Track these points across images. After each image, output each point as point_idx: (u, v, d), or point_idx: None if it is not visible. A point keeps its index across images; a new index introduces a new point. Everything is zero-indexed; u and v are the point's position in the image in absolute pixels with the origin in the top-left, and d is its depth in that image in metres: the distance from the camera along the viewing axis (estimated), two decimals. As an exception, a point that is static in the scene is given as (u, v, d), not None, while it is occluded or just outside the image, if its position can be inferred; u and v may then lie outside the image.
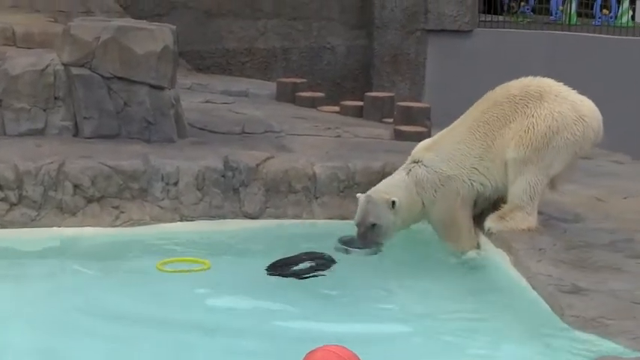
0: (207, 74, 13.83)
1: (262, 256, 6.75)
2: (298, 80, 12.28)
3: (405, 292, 6.28)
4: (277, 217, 7.60)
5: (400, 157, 8.00)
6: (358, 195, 6.95)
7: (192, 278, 6.38)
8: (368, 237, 6.81)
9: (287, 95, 11.57)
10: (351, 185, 7.69)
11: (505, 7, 20.17)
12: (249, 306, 5.93)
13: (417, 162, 6.93)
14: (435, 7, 15.40)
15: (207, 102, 10.64)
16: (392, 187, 6.92)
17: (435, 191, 6.84)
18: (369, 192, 6.91)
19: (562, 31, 16.94)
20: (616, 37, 16.48)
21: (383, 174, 7.64)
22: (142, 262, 6.67)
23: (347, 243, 6.88)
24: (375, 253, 6.84)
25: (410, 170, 6.93)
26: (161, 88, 8.34)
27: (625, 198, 7.59)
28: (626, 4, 18.88)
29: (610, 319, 5.14)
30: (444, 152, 6.89)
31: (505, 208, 6.75)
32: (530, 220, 6.68)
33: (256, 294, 6.14)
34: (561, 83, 6.88)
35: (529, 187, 6.65)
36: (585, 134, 6.71)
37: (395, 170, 7.55)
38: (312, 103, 11.21)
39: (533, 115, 6.67)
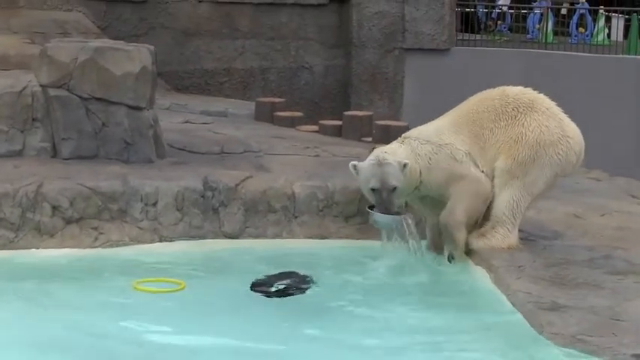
0: (186, 94, 13.83)
1: (241, 276, 6.72)
2: (277, 100, 12.30)
3: (385, 310, 6.24)
4: (257, 236, 7.59)
5: (379, 175, 8.03)
6: (353, 163, 6.85)
7: (167, 298, 6.33)
8: (392, 202, 6.73)
9: (266, 115, 11.58)
10: (330, 205, 7.69)
11: (482, 26, 20.34)
12: (222, 327, 5.85)
13: (407, 138, 6.93)
14: (412, 26, 15.49)
15: (186, 122, 10.64)
16: (393, 151, 6.81)
17: (430, 159, 6.79)
18: (376, 155, 6.75)
19: (539, 49, 17.08)
20: (592, 55, 16.63)
21: (362, 193, 7.65)
22: (119, 282, 6.61)
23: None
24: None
25: (402, 142, 6.90)
26: (139, 109, 8.33)
27: (602, 215, 7.64)
28: (601, 22, 19.07)
29: (590, 336, 5.16)
30: (434, 128, 6.93)
31: (487, 225, 6.77)
32: (511, 238, 6.70)
33: (231, 315, 6.06)
34: (554, 103, 6.94)
35: (512, 201, 6.68)
36: (568, 155, 6.77)
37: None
38: (291, 123, 11.23)
39: (523, 125, 6.73)
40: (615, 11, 19.80)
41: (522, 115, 6.77)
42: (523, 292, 5.83)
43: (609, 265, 6.39)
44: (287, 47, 15.21)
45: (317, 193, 7.72)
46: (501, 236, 6.70)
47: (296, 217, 7.67)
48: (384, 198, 6.69)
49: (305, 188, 7.73)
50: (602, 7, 19.55)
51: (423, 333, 5.81)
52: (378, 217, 6.79)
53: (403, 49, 15.56)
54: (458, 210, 6.77)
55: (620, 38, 19.09)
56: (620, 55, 16.71)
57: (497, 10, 21.36)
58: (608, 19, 19.39)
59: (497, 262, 6.41)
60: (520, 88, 6.97)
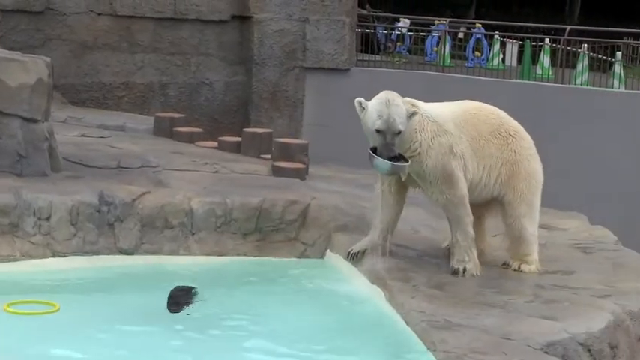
0: (83, 108, 13.61)
1: (131, 294, 6.62)
2: (176, 115, 12.21)
3: (275, 325, 6.17)
4: (153, 252, 7.50)
5: (278, 193, 8.05)
6: (360, 99, 6.58)
7: (39, 320, 6.08)
8: (396, 146, 6.34)
9: (165, 130, 11.48)
10: (229, 221, 7.66)
11: (382, 47, 20.63)
12: (91, 348, 5.64)
13: (415, 106, 6.61)
14: (313, 45, 15.60)
15: (82, 136, 10.46)
16: (406, 100, 6.53)
17: (434, 138, 6.56)
18: (385, 94, 6.50)
19: (437, 71, 17.40)
20: (487, 78, 17.02)
21: (261, 210, 7.66)
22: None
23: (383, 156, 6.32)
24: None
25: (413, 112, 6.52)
26: (34, 121, 8.17)
27: (495, 235, 7.76)
28: (496, 47, 19.60)
29: (481, 354, 5.25)
30: (439, 113, 6.72)
31: (519, 253, 6.98)
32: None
33: (103, 335, 5.85)
34: None
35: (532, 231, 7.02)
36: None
37: (273, 207, 7.62)
38: (190, 139, 11.15)
39: (514, 152, 6.84)
40: (510, 37, 20.34)
41: (512, 140, 6.85)
42: (417, 311, 5.89)
43: (501, 285, 6.52)
44: (187, 63, 15.13)
45: (215, 210, 7.68)
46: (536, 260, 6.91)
47: (193, 234, 7.62)
48: (387, 141, 6.32)
49: (203, 204, 7.69)
50: (497, 32, 20.08)
51: (313, 347, 5.78)
52: (379, 161, 6.36)
53: (303, 67, 15.65)
54: (469, 229, 6.71)
55: (515, 63, 19.64)
56: (516, 80, 17.14)
57: (397, 32, 21.68)
58: (503, 45, 19.90)
59: (392, 281, 6.47)
60: (504, 114, 7.02)
